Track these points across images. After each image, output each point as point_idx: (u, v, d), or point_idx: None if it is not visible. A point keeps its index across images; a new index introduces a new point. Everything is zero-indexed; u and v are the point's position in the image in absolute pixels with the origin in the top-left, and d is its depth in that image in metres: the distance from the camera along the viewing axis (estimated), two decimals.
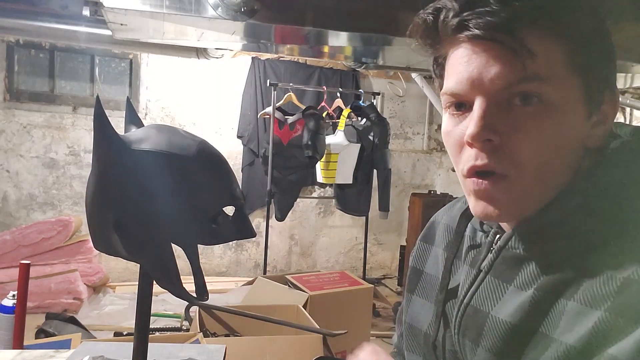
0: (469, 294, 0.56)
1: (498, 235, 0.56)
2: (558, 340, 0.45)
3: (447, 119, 0.52)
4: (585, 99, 0.47)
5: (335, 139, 3.34)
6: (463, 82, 0.48)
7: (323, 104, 3.45)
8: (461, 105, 0.50)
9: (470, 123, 0.47)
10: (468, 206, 0.61)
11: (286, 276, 2.36)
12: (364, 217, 3.68)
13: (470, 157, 0.49)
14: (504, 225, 0.56)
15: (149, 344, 0.73)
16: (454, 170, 0.53)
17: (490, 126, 0.46)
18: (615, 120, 0.53)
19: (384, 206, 3.46)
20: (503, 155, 0.47)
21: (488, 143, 0.47)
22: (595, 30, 0.48)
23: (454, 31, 0.48)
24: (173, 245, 0.67)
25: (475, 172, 0.49)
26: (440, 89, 0.53)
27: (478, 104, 0.47)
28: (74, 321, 2.45)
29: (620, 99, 0.53)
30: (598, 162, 0.50)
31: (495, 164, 0.47)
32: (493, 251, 0.55)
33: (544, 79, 0.45)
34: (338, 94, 3.55)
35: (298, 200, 3.55)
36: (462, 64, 0.48)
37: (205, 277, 0.69)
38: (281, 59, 3.98)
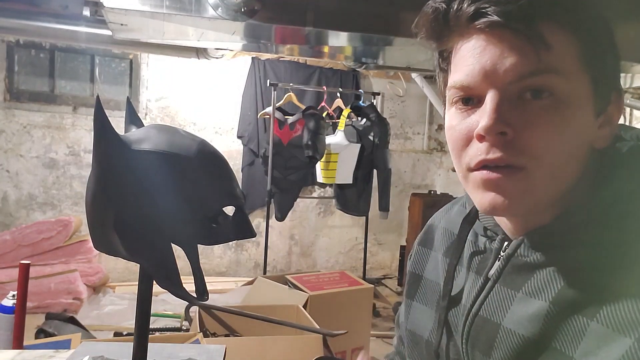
0: (477, 303, 0.54)
1: (506, 243, 0.54)
2: None
3: (452, 114, 0.50)
4: (594, 97, 0.47)
5: (335, 139, 3.35)
6: (475, 73, 0.46)
7: (323, 104, 3.45)
8: (469, 100, 0.48)
9: (483, 116, 0.46)
10: (469, 211, 0.61)
11: (286, 276, 2.37)
12: (364, 217, 3.68)
13: (479, 150, 0.47)
14: (509, 232, 0.54)
15: (149, 344, 0.73)
16: (454, 171, 0.52)
17: (504, 119, 0.45)
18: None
19: (384, 206, 3.46)
20: (518, 148, 0.45)
21: (501, 136, 0.45)
22: (605, 29, 0.48)
23: (469, 19, 0.46)
24: (173, 245, 0.67)
25: (484, 165, 0.47)
26: (444, 84, 0.51)
27: (491, 96, 0.46)
28: (73, 321, 2.45)
29: None
30: (608, 167, 0.49)
31: (509, 157, 0.46)
32: (501, 259, 0.53)
33: (557, 73, 0.45)
34: (338, 94, 3.56)
35: (298, 200, 3.55)
36: (474, 55, 0.46)
37: (205, 277, 0.69)
38: (281, 59, 3.98)
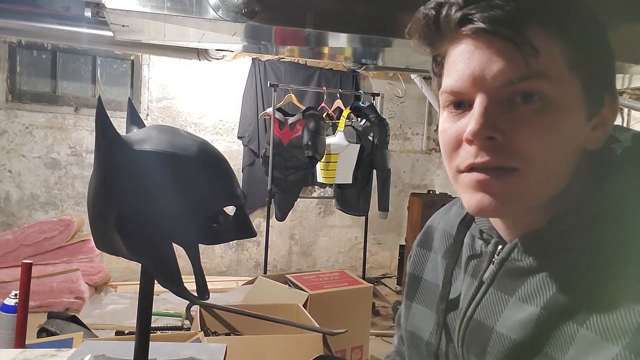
0: (472, 306, 0.55)
1: (500, 246, 0.54)
2: None
3: (444, 118, 0.51)
4: (585, 100, 0.47)
5: (335, 139, 3.35)
6: (464, 78, 0.47)
7: (323, 104, 3.46)
8: (460, 104, 0.48)
9: (471, 120, 0.46)
10: (466, 212, 0.61)
11: (286, 275, 2.37)
12: (363, 217, 3.68)
13: (469, 154, 0.47)
14: (504, 235, 0.54)
15: (150, 342, 0.74)
16: None
17: (492, 123, 0.45)
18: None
19: (383, 206, 3.47)
20: (507, 152, 0.45)
21: (489, 141, 0.45)
22: (595, 32, 0.48)
23: (457, 25, 0.46)
24: (174, 244, 0.68)
25: (473, 168, 0.47)
26: (439, 88, 0.52)
27: (479, 101, 0.46)
28: (75, 320, 2.45)
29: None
30: (602, 169, 0.49)
31: (497, 160, 0.46)
32: (495, 262, 0.54)
33: (546, 77, 0.45)
34: (338, 95, 3.57)
35: (298, 200, 3.56)
36: (464, 60, 0.47)
37: (206, 277, 0.70)
38: (281, 60, 3.99)
